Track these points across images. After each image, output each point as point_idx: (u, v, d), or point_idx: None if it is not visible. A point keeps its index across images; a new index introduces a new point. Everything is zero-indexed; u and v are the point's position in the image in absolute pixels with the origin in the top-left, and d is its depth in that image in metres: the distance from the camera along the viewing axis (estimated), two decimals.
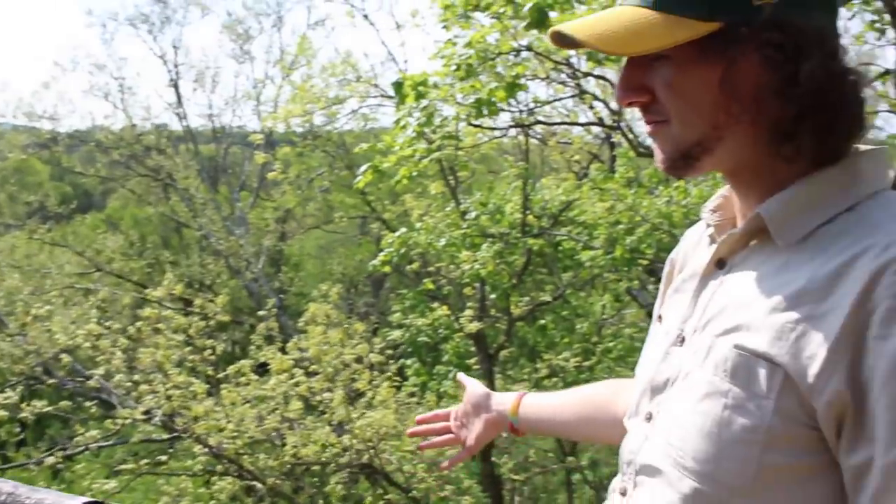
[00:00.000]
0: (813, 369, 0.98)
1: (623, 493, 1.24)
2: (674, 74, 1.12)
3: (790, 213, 1.10)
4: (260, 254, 22.20)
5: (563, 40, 1.15)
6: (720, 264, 1.19)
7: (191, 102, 47.51)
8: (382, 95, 14.35)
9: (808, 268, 1.04)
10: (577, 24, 1.16)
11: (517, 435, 1.81)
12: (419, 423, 2.00)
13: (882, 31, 7.53)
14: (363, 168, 6.52)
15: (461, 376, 2.01)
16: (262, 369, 10.27)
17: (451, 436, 1.92)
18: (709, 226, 1.27)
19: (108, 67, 31.98)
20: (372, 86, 14.13)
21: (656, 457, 1.15)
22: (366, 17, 14.67)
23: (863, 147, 1.12)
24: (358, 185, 6.64)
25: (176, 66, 24.52)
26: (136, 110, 24.60)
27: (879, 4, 6.66)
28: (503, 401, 1.82)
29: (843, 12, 8.06)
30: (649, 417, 1.21)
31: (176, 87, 24.45)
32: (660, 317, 1.32)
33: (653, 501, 1.15)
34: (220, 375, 9.64)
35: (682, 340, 1.19)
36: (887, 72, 7.10)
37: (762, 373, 1.02)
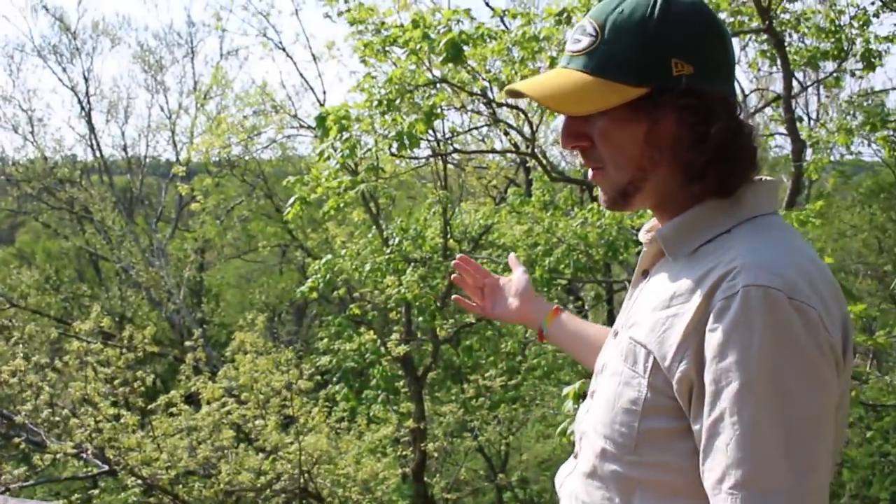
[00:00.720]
0: (670, 354, 1.27)
1: (575, 457, 1.53)
2: (607, 127, 1.36)
3: (679, 235, 1.38)
4: (180, 285, 22.02)
5: (514, 94, 1.45)
6: (644, 274, 1.48)
7: (103, 133, 46.65)
8: (301, 126, 14.54)
9: (683, 277, 1.32)
10: (528, 83, 1.44)
11: (540, 340, 2.00)
12: (461, 261, 2.17)
13: (774, 59, 8.10)
14: (291, 200, 6.76)
15: (512, 259, 2.20)
16: (190, 401, 10.34)
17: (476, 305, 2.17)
18: (643, 245, 1.54)
19: (17, 99, 31.44)
20: (291, 116, 14.30)
21: (588, 424, 1.45)
22: (283, 49, 14.80)
23: (755, 178, 1.39)
24: (287, 216, 6.86)
25: (87, 96, 24.23)
26: (48, 142, 24.20)
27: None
28: (542, 307, 2.02)
29: (737, 41, 8.63)
30: (592, 394, 1.50)
31: (88, 118, 24.16)
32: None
33: (584, 460, 1.44)
34: (151, 407, 9.67)
35: (616, 334, 1.47)
36: (778, 97, 7.68)
37: (641, 357, 1.32)
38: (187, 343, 11.53)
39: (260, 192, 21.35)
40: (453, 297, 2.23)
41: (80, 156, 25.37)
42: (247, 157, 19.30)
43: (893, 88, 25.16)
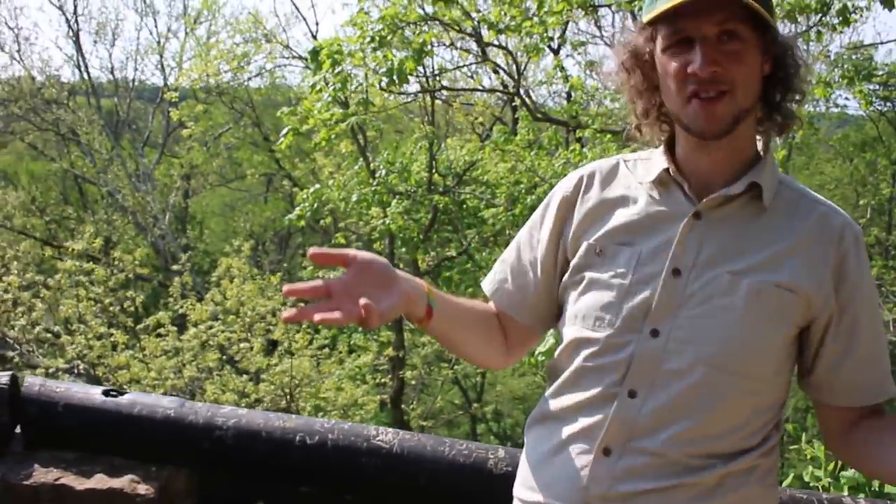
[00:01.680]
0: (821, 293, 1.48)
1: (632, 396, 1.49)
2: (745, 53, 1.45)
3: (770, 181, 1.52)
4: (166, 211, 22.12)
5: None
6: (697, 218, 1.51)
7: (91, 55, 46.16)
8: (293, 56, 14.61)
9: (793, 224, 1.50)
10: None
11: (424, 325, 1.62)
12: (289, 292, 1.48)
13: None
14: (284, 130, 6.98)
15: (346, 251, 1.53)
16: (176, 324, 10.64)
17: (330, 312, 1.40)
18: (665, 181, 1.57)
19: (3, 16, 31.12)
20: (284, 47, 14.37)
21: (678, 361, 1.48)
22: None
23: None
24: (280, 146, 7.09)
25: (76, 16, 23.95)
26: (34, 62, 24.02)
27: None
28: (412, 279, 1.60)
29: None
30: (656, 333, 1.49)
31: (76, 38, 23.91)
32: (602, 249, 1.57)
33: (685, 399, 1.48)
34: (139, 328, 9.96)
35: (678, 273, 1.50)
36: None
37: (789, 301, 1.47)
38: (174, 267, 11.76)
39: (248, 121, 21.39)
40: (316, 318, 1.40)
41: (67, 77, 25.17)
42: (236, 85, 19.29)
43: (882, 43, 25.25)
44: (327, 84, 6.60)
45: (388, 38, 6.53)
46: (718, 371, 1.46)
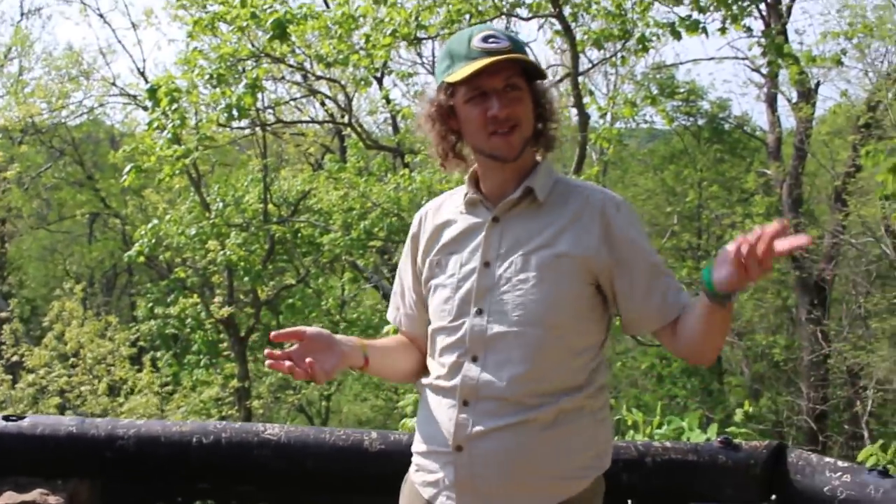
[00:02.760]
0: (593, 251, 1.94)
1: (474, 360, 1.96)
2: (523, 97, 1.96)
3: (542, 184, 2.00)
4: None
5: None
6: (496, 221, 2.01)
7: None
8: (122, 93, 14.46)
9: (560, 211, 1.97)
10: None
11: (364, 368, 2.06)
12: (276, 337, 1.99)
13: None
14: (128, 168, 7.08)
15: (299, 328, 2.00)
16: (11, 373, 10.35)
17: (292, 366, 1.89)
18: (465, 203, 2.07)
19: None
20: (111, 84, 14.20)
21: (497, 328, 1.95)
22: (101, 15, 14.64)
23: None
24: (124, 183, 7.19)
25: None
26: None
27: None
28: (350, 340, 2.04)
29: (536, 22, 9.49)
30: (479, 311, 1.97)
31: None
32: (438, 262, 2.07)
33: (508, 353, 1.95)
34: None
35: (487, 265, 1.98)
36: (568, 73, 8.59)
37: (565, 262, 1.93)
38: (2, 314, 11.39)
39: (69, 159, 20.78)
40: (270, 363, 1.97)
41: None
42: (54, 123, 18.75)
43: (681, 63, 27.15)
44: (167, 119, 6.77)
45: (225, 75, 6.79)
46: (528, 327, 1.93)
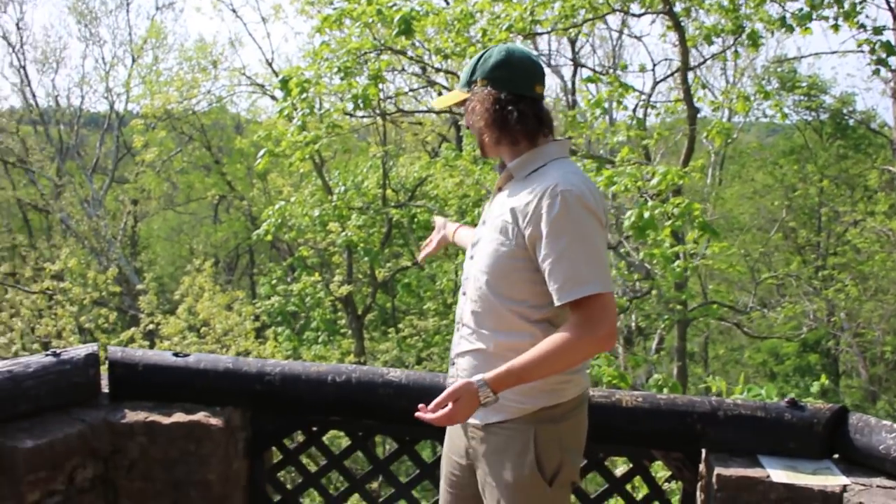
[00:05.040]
0: (524, 225, 2.29)
1: (463, 294, 2.51)
2: (466, 111, 2.48)
3: (518, 166, 2.41)
4: (116, 236, 22.41)
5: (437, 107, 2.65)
6: (499, 191, 2.49)
7: (37, 84, 45.91)
8: (252, 83, 15.26)
9: (528, 190, 2.32)
10: (438, 99, 2.68)
11: (453, 244, 3.04)
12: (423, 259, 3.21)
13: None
14: (261, 152, 7.71)
15: (436, 217, 3.25)
16: (147, 340, 11.18)
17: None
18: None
19: None
20: (241, 74, 15.02)
21: (472, 271, 2.45)
22: (233, 10, 15.44)
23: (551, 138, 2.46)
24: (258, 167, 7.81)
25: (22, 46, 24.18)
26: None
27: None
28: (451, 226, 3.07)
29: (648, 18, 9.69)
30: (472, 257, 2.50)
31: (23, 68, 24.17)
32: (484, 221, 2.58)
33: (471, 292, 2.44)
34: (114, 343, 10.49)
35: (485, 223, 2.48)
36: (678, 69, 8.79)
37: (509, 229, 2.33)
38: (139, 286, 12.23)
39: (197, 144, 21.89)
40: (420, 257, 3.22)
41: (9, 105, 25.24)
42: (188, 111, 19.81)
43: (803, 56, 26.58)
44: (296, 109, 7.33)
45: (351, 67, 7.32)
46: (480, 274, 2.41)
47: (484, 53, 2.48)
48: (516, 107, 2.39)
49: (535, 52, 14.50)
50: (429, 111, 12.85)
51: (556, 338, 2.23)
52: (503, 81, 2.40)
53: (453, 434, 2.58)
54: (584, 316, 2.22)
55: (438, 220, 3.15)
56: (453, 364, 2.50)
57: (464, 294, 2.50)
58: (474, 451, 2.45)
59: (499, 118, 2.39)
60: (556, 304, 2.26)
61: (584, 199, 2.27)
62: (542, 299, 2.32)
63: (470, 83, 2.45)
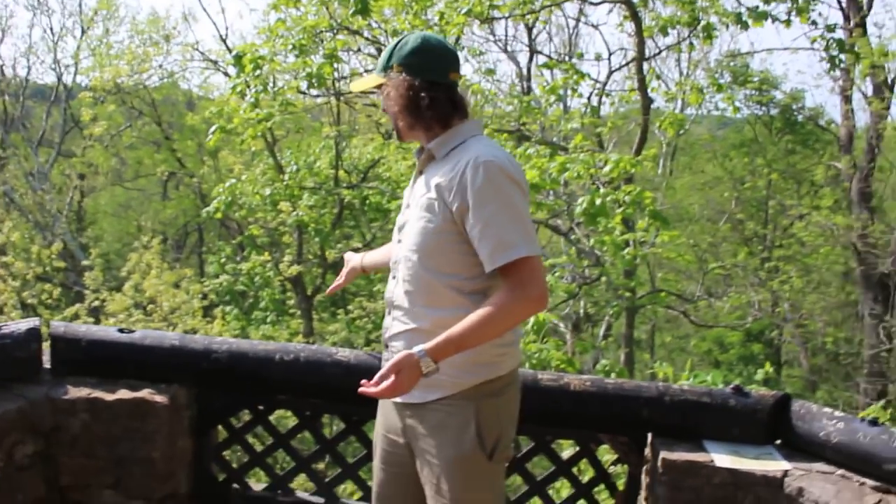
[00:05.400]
0: (450, 199, 2.34)
1: (394, 277, 2.55)
2: (381, 99, 2.52)
3: (437, 146, 2.45)
4: (61, 211, 22.00)
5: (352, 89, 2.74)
6: (420, 174, 2.52)
7: None
8: (205, 59, 15.04)
9: (449, 166, 2.38)
10: (354, 82, 2.71)
11: (365, 273, 3.09)
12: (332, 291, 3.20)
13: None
14: (213, 128, 7.60)
15: (346, 253, 3.24)
16: (92, 317, 11.01)
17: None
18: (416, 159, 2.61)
19: None
20: (193, 48, 14.80)
21: (402, 252, 2.48)
22: None
23: (466, 120, 2.49)
24: (209, 143, 7.70)
25: None
26: None
27: None
28: (356, 256, 3.08)
29: (605, 7, 9.74)
30: (399, 241, 2.53)
31: None
32: (405, 200, 2.64)
33: (402, 273, 2.47)
34: (57, 319, 10.32)
35: (409, 206, 2.52)
36: (633, 59, 8.84)
37: (436, 206, 2.37)
38: (84, 262, 12.05)
39: (148, 119, 21.55)
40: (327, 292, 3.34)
41: None
42: (138, 86, 19.49)
43: (756, 52, 26.87)
44: (249, 86, 7.24)
45: (307, 46, 7.24)
46: (411, 253, 2.43)
47: (400, 40, 2.50)
48: (429, 93, 2.43)
49: (491, 38, 14.49)
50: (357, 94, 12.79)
51: (490, 302, 2.31)
52: (418, 68, 2.44)
53: (388, 412, 2.60)
54: (515, 279, 2.30)
55: (347, 255, 3.16)
56: (387, 347, 2.53)
57: (394, 278, 2.55)
58: (411, 429, 2.48)
59: (412, 104, 2.44)
60: (487, 270, 2.33)
61: (504, 168, 2.34)
62: (475, 270, 2.38)
63: (386, 68, 2.47)
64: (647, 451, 2.90)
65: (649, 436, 2.89)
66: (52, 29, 24.79)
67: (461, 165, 2.34)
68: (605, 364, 6.04)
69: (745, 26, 8.12)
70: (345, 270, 3.09)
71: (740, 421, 2.86)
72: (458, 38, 11.19)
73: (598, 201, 6.33)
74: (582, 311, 14.31)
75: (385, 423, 2.62)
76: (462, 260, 2.38)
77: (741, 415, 2.86)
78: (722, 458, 2.75)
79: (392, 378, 2.22)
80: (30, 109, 26.01)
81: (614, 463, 3.15)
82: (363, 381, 2.27)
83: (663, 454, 2.74)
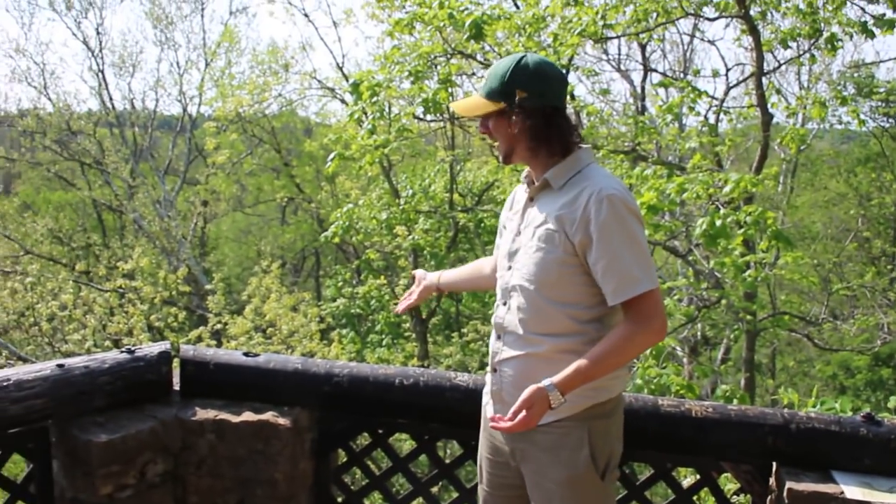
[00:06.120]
0: (573, 231, 2.36)
1: (505, 304, 2.55)
2: (491, 123, 2.50)
3: (555, 175, 2.46)
4: (186, 237, 22.81)
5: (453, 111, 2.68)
6: (531, 201, 2.53)
7: (114, 87, 47.10)
8: (323, 87, 15.41)
9: (569, 197, 2.40)
10: (456, 104, 2.63)
11: (441, 292, 3.12)
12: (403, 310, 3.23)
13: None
14: (331, 155, 7.77)
15: (416, 271, 3.24)
16: (214, 340, 11.34)
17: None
18: (526, 185, 2.62)
19: (30, 52, 32.09)
20: (311, 77, 15.19)
21: (517, 280, 2.49)
22: (306, 14, 15.65)
23: (581, 146, 2.51)
24: (327, 170, 7.88)
25: (101, 50, 24.76)
26: (60, 94, 24.70)
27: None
28: (433, 275, 3.10)
29: (721, 22, 9.53)
30: (509, 267, 2.55)
31: (100, 72, 24.74)
32: (504, 227, 2.68)
33: (519, 301, 2.48)
34: (183, 341, 10.67)
35: (520, 233, 2.53)
36: (753, 73, 8.62)
37: (555, 238, 2.39)
38: (207, 287, 12.42)
39: (268, 146, 22.19)
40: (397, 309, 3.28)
41: (87, 108, 25.84)
42: (259, 114, 20.09)
43: (882, 61, 25.87)
44: (366, 113, 7.38)
45: (423, 72, 7.34)
46: (528, 282, 2.46)
47: (518, 64, 2.48)
48: (556, 119, 2.46)
49: (604, 57, 14.38)
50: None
51: (614, 335, 2.36)
52: (542, 94, 2.45)
53: (494, 435, 2.62)
54: (638, 313, 2.35)
55: (419, 273, 3.19)
56: (495, 371, 2.57)
57: (505, 304, 2.58)
58: (521, 452, 2.51)
59: (540, 130, 2.45)
60: (610, 303, 2.37)
61: (626, 201, 2.37)
62: (594, 300, 2.42)
63: (504, 94, 2.45)
64: (772, 480, 2.79)
65: (774, 465, 2.79)
66: (178, 63, 25.82)
67: (584, 198, 2.36)
68: (726, 389, 5.86)
69: (871, 35, 7.82)
70: (416, 287, 3.12)
71: (872, 451, 2.73)
72: (570, 59, 11.17)
73: (718, 222, 6.18)
74: (699, 334, 13.98)
75: (490, 446, 2.66)
76: (582, 290, 2.42)
77: (873, 445, 2.73)
78: (853, 490, 2.62)
79: (523, 413, 2.26)
80: (157, 140, 27.18)
81: (737, 493, 3.05)
82: (495, 416, 2.33)
83: (790, 484, 2.63)
